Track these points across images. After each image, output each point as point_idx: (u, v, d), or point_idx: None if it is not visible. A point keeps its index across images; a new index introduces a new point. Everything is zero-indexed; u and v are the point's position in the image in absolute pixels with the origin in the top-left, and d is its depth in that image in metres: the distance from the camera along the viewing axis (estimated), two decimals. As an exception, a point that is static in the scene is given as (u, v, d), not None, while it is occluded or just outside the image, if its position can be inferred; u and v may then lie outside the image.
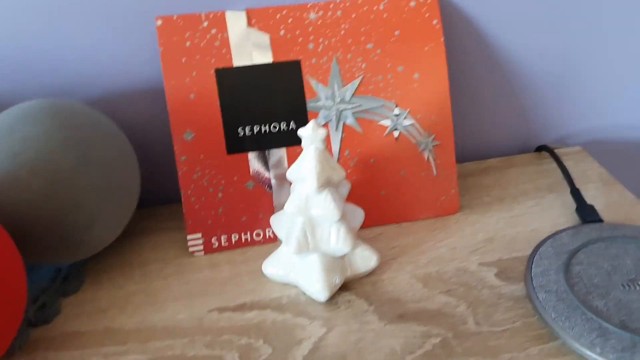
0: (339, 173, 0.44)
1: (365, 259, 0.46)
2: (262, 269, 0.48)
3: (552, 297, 0.43)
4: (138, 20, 0.49)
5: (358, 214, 0.47)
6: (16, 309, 0.38)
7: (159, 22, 0.48)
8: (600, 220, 0.50)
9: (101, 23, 0.49)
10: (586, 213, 0.51)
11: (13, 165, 0.41)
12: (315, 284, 0.45)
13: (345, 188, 0.47)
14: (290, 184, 0.51)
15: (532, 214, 0.54)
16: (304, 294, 0.46)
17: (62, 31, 0.48)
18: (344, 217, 0.45)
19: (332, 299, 0.46)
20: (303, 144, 0.43)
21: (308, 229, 0.44)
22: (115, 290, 0.47)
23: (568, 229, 0.48)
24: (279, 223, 0.47)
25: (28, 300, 0.46)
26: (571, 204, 0.55)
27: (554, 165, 0.60)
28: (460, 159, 0.63)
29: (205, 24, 0.49)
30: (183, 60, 0.49)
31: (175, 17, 0.49)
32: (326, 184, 0.43)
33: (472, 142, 0.62)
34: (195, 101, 0.49)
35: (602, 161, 0.68)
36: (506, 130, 0.62)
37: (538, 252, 0.47)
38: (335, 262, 0.45)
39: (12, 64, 0.49)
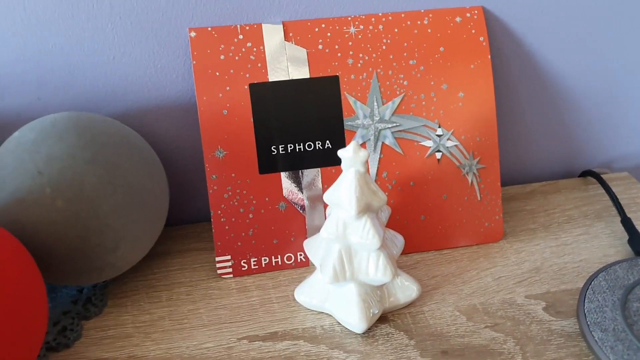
0: (380, 198, 0.41)
1: (405, 289, 0.44)
2: (295, 295, 0.45)
3: (609, 336, 0.39)
4: (171, 31, 0.47)
5: (398, 241, 0.45)
6: (36, 333, 0.36)
7: (193, 34, 0.46)
8: (657, 253, 0.47)
9: (133, 34, 0.47)
10: (641, 245, 0.48)
11: (37, 183, 0.39)
12: (352, 315, 0.42)
13: (386, 213, 0.44)
14: (324, 205, 0.49)
15: (580, 243, 0.50)
16: (339, 324, 0.43)
17: (92, 42, 0.47)
18: (383, 245, 0.42)
19: (370, 331, 0.43)
20: (343, 165, 0.40)
21: (345, 257, 0.41)
22: (140, 315, 0.45)
23: (622, 261, 0.45)
24: (313, 248, 0.44)
25: (49, 323, 0.44)
26: (621, 233, 0.51)
27: (601, 191, 0.57)
28: (503, 182, 0.60)
29: (241, 36, 0.47)
30: (216, 74, 0.47)
31: (209, 29, 0.47)
32: (366, 209, 0.41)
33: (515, 164, 0.59)
34: (228, 117, 0.47)
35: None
36: (550, 154, 0.59)
37: (590, 286, 0.43)
38: (373, 292, 0.43)
39: (42, 74, 0.47)
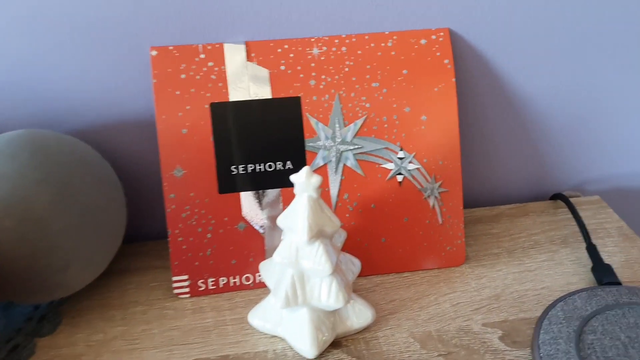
0: (334, 223, 0.41)
1: (359, 314, 0.43)
2: (249, 319, 0.44)
3: (560, 370, 0.39)
4: (132, 48, 0.47)
5: (354, 266, 0.44)
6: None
7: (154, 53, 0.46)
8: (618, 283, 0.46)
9: (93, 51, 0.47)
10: (603, 274, 0.47)
11: (-14, 202, 0.39)
12: (303, 341, 0.41)
13: (341, 237, 0.44)
14: (286, 226, 0.48)
15: (543, 270, 0.50)
16: (292, 349, 0.43)
17: (52, 57, 0.46)
18: (337, 270, 0.42)
19: (322, 356, 0.42)
20: (295, 190, 0.40)
21: (298, 282, 0.41)
22: (93, 334, 0.45)
23: (582, 290, 0.45)
24: (268, 271, 0.44)
25: (1, 340, 0.43)
26: (586, 260, 0.51)
27: (570, 215, 0.56)
28: (470, 204, 0.59)
29: (202, 56, 0.46)
30: (177, 93, 0.46)
31: (171, 48, 0.46)
32: (318, 235, 0.40)
33: (483, 187, 0.59)
34: (188, 136, 0.47)
35: (621, 212, 0.64)
36: (519, 176, 0.59)
37: (547, 316, 0.43)
38: (326, 317, 0.42)
39: (0, 90, 0.47)
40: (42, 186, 0.40)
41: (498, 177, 0.58)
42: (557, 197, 0.58)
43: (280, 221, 0.41)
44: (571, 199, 0.57)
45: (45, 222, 0.40)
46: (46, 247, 0.40)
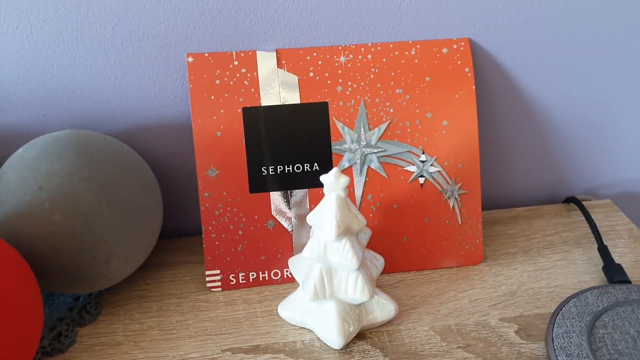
0: (360, 221, 0.43)
1: (383, 308, 0.46)
2: (279, 311, 0.47)
3: (573, 362, 0.41)
4: (170, 55, 0.50)
5: (378, 262, 0.47)
6: (32, 338, 0.38)
7: (190, 59, 0.49)
8: (628, 282, 0.49)
9: (133, 57, 0.49)
10: (613, 273, 0.50)
11: (37, 198, 0.42)
12: (330, 332, 0.44)
13: (366, 235, 0.47)
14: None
15: (557, 269, 0.52)
16: (319, 340, 0.45)
17: (94, 63, 0.49)
18: (363, 265, 0.44)
19: (347, 347, 0.45)
20: (324, 190, 0.43)
21: (326, 276, 0.44)
22: (131, 324, 0.47)
23: (593, 288, 0.47)
24: (297, 266, 0.47)
25: (44, 328, 0.46)
26: (598, 260, 0.53)
27: (582, 218, 0.59)
28: (487, 206, 0.62)
29: (236, 62, 0.49)
30: (212, 98, 0.49)
31: (206, 55, 0.49)
32: (346, 232, 0.43)
33: (500, 189, 0.61)
34: (221, 139, 0.49)
35: (633, 216, 0.66)
36: (535, 180, 0.61)
37: (561, 312, 0.45)
38: (352, 310, 0.45)
39: (42, 93, 0.50)
40: (88, 183, 0.43)
41: (514, 181, 0.61)
42: (570, 200, 0.60)
43: (310, 219, 0.44)
44: (584, 202, 0.60)
45: (91, 217, 0.42)
46: (91, 240, 0.43)
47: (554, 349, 0.42)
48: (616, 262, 0.52)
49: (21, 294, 0.37)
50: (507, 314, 0.48)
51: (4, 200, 0.42)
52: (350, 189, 0.51)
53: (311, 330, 0.46)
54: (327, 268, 0.44)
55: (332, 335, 0.44)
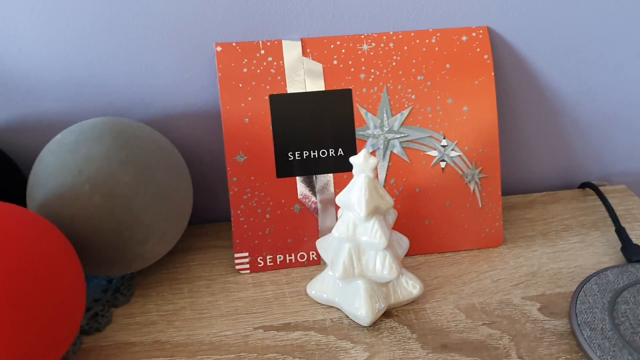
0: (387, 202, 0.45)
1: (409, 287, 0.47)
2: (307, 290, 0.49)
3: (597, 335, 0.43)
4: (198, 45, 0.51)
5: (403, 243, 0.48)
6: (75, 316, 0.40)
7: (219, 49, 0.51)
8: (647, 260, 0.50)
9: (163, 47, 0.51)
10: (632, 252, 0.51)
11: (77, 181, 0.43)
12: (359, 309, 0.45)
13: (392, 216, 0.48)
14: (336, 208, 0.52)
15: (575, 250, 0.54)
16: (348, 317, 0.47)
17: (126, 53, 0.51)
18: (390, 245, 0.46)
19: (375, 325, 0.46)
20: (354, 171, 0.44)
21: (355, 255, 0.45)
22: (164, 304, 0.49)
23: (613, 267, 0.48)
24: (325, 247, 0.48)
25: (81, 309, 0.47)
26: (615, 242, 0.54)
27: (598, 202, 0.60)
28: (505, 191, 0.63)
29: (262, 51, 0.51)
30: (239, 86, 0.51)
31: (234, 44, 0.51)
32: (374, 212, 0.44)
33: (517, 175, 0.63)
34: (249, 125, 0.51)
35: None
36: (551, 166, 0.63)
37: (583, 289, 0.47)
38: (379, 289, 0.46)
39: (75, 83, 0.52)
40: (125, 166, 0.44)
41: (530, 166, 0.62)
42: (585, 185, 0.62)
43: (339, 200, 0.45)
44: (599, 187, 0.61)
45: (129, 198, 0.44)
46: (129, 221, 0.44)
47: (578, 324, 0.44)
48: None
49: (67, 274, 0.39)
50: (529, 292, 0.49)
51: (45, 183, 0.44)
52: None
53: (339, 309, 0.48)
54: (355, 247, 0.45)
55: (361, 312, 0.45)
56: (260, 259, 0.52)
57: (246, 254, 0.52)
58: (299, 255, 0.52)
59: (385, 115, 0.52)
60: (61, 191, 0.43)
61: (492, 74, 0.53)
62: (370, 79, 0.52)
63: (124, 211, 0.44)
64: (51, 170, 0.44)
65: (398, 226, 0.53)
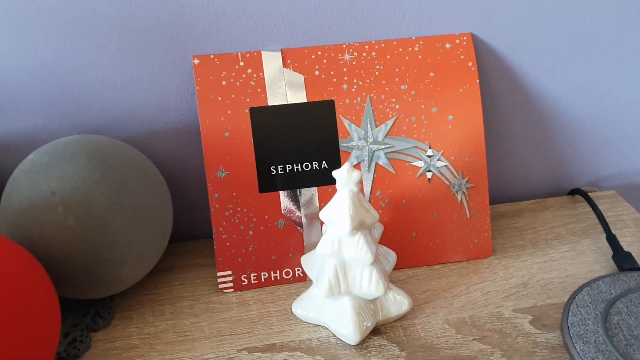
0: (373, 216, 0.43)
1: (397, 303, 0.46)
2: (292, 309, 0.47)
3: (590, 348, 0.41)
4: (176, 58, 0.50)
5: (391, 257, 0.47)
6: (50, 343, 0.38)
7: (196, 61, 0.49)
8: (639, 269, 0.49)
9: (139, 61, 0.50)
10: (624, 260, 0.50)
11: (50, 202, 0.42)
12: (346, 328, 0.44)
13: (379, 230, 0.47)
14: (321, 222, 0.51)
15: (566, 259, 0.53)
16: (335, 336, 0.45)
17: (100, 68, 0.49)
18: (376, 260, 0.44)
19: (363, 343, 0.45)
20: (337, 185, 0.43)
21: (340, 272, 0.44)
22: (145, 327, 0.47)
23: (605, 276, 0.47)
24: (309, 263, 0.47)
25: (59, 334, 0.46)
26: (606, 250, 0.54)
27: (588, 209, 0.59)
28: (493, 199, 0.62)
29: (242, 63, 0.50)
30: (219, 99, 0.49)
31: (212, 57, 0.49)
32: (359, 226, 0.43)
33: (505, 183, 0.62)
34: (229, 139, 0.49)
35: (637, 206, 0.67)
36: (538, 173, 0.62)
37: (574, 300, 0.45)
38: (366, 306, 0.45)
39: (48, 100, 0.50)
40: (100, 186, 0.43)
41: (519, 174, 0.61)
42: (575, 192, 0.61)
43: (323, 215, 0.44)
44: (589, 194, 0.60)
45: (104, 220, 0.42)
46: (105, 243, 0.43)
47: (571, 337, 0.43)
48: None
49: (39, 299, 0.37)
50: (520, 305, 0.48)
51: (17, 205, 0.42)
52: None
53: (326, 328, 0.46)
54: (341, 264, 0.44)
55: (349, 330, 0.44)
56: (244, 277, 0.50)
57: (229, 272, 0.50)
58: (284, 271, 0.51)
59: (369, 126, 0.51)
60: (34, 214, 0.42)
61: (477, 81, 0.52)
62: (353, 89, 0.51)
63: (99, 233, 0.42)
64: (24, 192, 0.42)
65: (385, 239, 0.52)
